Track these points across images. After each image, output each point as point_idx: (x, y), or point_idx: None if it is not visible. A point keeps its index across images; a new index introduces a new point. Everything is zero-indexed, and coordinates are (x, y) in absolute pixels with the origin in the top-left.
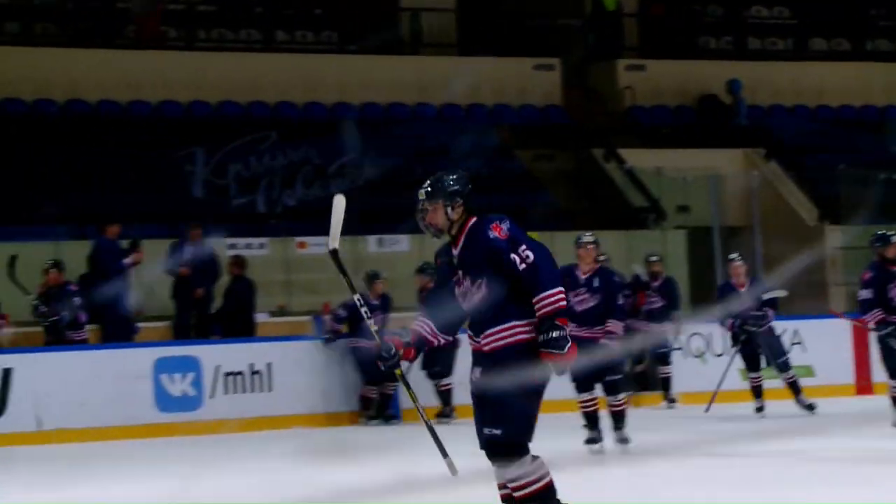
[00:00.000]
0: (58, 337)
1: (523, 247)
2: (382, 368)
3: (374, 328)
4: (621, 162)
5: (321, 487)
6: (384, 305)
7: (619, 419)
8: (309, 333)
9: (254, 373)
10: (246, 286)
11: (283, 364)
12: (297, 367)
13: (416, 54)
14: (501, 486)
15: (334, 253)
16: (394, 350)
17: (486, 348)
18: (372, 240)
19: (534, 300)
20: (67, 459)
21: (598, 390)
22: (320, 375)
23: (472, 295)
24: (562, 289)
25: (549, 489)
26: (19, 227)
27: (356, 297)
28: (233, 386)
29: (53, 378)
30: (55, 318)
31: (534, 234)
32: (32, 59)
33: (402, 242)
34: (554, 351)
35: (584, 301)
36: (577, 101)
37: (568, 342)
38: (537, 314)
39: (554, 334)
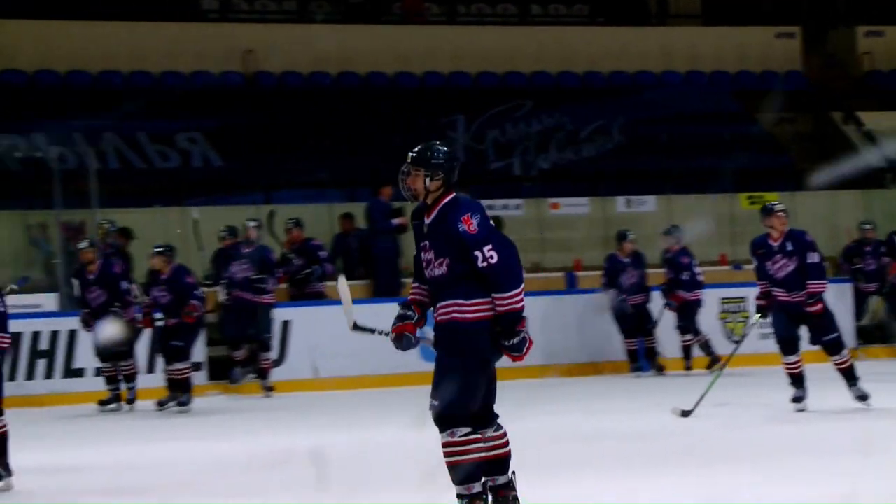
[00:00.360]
0: (301, 289)
1: (488, 246)
2: (402, 350)
3: (383, 334)
4: (860, 124)
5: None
6: (636, 262)
7: (848, 376)
8: (561, 289)
9: None
10: None
11: (537, 318)
12: (551, 320)
13: (662, 25)
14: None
15: (355, 328)
16: (414, 339)
17: (437, 320)
18: (620, 200)
19: (494, 297)
20: (346, 405)
21: (803, 348)
22: (573, 328)
23: (434, 268)
24: (519, 290)
25: (469, 470)
26: (296, 191)
27: (380, 332)
28: None
29: (327, 330)
30: (308, 270)
31: (773, 196)
32: (309, 34)
33: (648, 203)
34: (514, 354)
35: (784, 267)
36: (817, 66)
37: (525, 344)
38: (497, 311)
39: (514, 341)
